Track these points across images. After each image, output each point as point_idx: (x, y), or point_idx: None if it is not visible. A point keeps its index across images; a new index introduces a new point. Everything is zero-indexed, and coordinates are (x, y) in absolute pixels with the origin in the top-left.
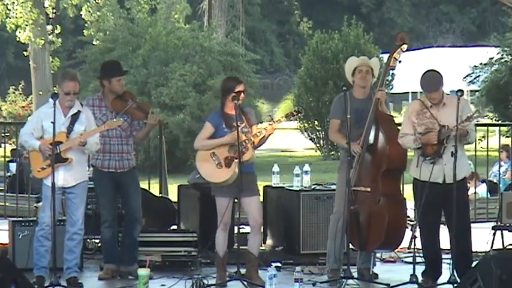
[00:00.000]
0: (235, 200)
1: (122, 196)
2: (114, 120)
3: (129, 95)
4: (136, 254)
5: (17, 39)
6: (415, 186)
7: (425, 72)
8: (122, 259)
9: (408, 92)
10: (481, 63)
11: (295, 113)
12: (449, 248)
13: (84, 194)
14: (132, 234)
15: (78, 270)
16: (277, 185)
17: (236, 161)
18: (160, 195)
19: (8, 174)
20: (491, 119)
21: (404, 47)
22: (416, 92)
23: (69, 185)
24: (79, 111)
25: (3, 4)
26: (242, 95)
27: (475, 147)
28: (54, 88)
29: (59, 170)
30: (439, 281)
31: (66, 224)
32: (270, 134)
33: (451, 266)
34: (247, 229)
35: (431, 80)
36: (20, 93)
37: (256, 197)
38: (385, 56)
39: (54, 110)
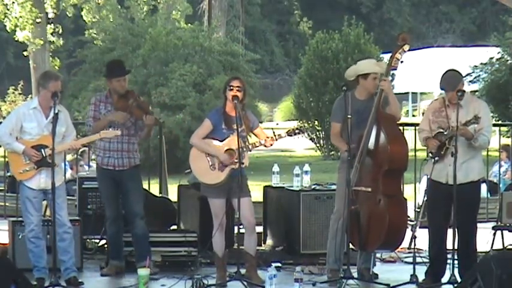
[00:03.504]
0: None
1: (122, 194)
2: (111, 130)
3: (132, 94)
4: (145, 250)
5: (16, 39)
6: (426, 183)
7: (446, 71)
8: (135, 257)
9: (408, 92)
10: (481, 63)
11: (297, 131)
12: (451, 248)
13: (65, 194)
14: (135, 231)
15: (76, 270)
16: (277, 185)
17: (229, 166)
18: (160, 195)
19: (8, 174)
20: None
21: (407, 47)
22: (417, 93)
23: (50, 187)
24: (59, 111)
25: (3, 4)
26: (240, 93)
27: None
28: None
29: (41, 173)
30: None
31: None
32: (267, 146)
33: (451, 266)
34: None
35: (448, 79)
36: (20, 93)
37: (248, 198)
38: (386, 56)
39: (54, 110)
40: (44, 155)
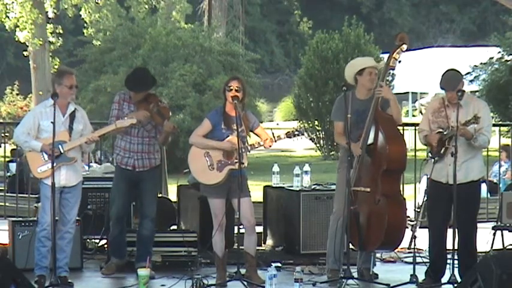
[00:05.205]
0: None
1: (138, 193)
2: (126, 119)
3: (154, 98)
4: (146, 251)
5: (17, 39)
6: (426, 183)
7: (446, 71)
8: (135, 257)
9: (408, 92)
10: (481, 63)
11: (296, 132)
12: (451, 248)
13: (80, 193)
14: (142, 232)
15: (68, 270)
16: (277, 185)
17: (228, 166)
18: (160, 195)
19: (8, 174)
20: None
21: (404, 47)
22: (417, 93)
23: (70, 184)
24: (75, 109)
25: (3, 4)
26: (239, 94)
27: None
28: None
29: (60, 169)
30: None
31: (58, 223)
32: (266, 147)
33: (451, 266)
34: None
35: (448, 79)
36: (17, 94)
37: (248, 198)
38: (385, 56)
39: (54, 110)
40: (62, 151)
